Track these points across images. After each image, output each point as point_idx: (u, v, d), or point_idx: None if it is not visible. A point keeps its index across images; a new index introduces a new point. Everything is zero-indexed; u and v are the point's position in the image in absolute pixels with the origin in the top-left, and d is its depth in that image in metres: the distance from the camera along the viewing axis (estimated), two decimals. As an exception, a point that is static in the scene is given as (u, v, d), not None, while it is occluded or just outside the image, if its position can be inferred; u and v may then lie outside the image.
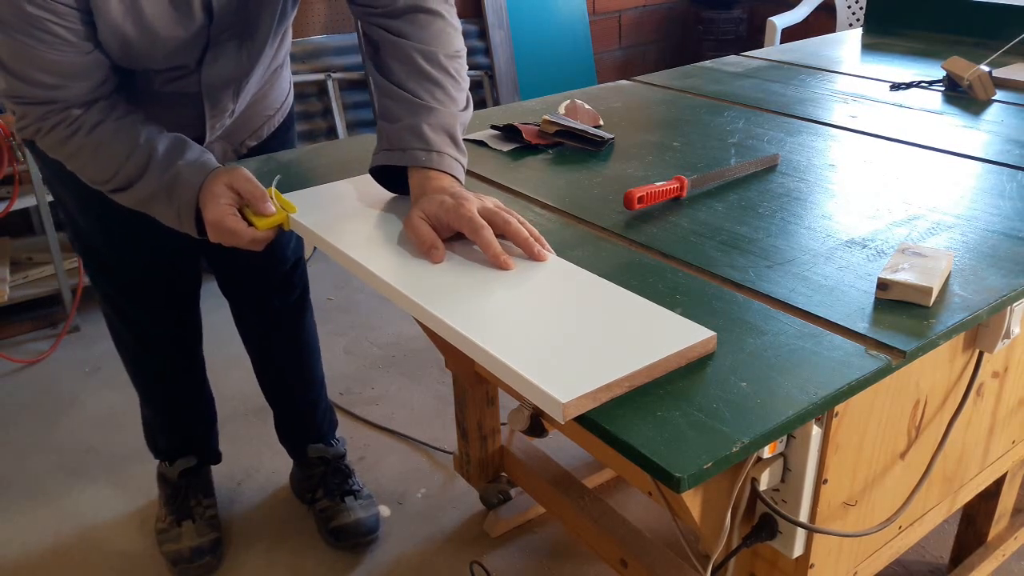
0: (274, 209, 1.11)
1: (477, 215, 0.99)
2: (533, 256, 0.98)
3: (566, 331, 0.83)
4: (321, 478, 1.76)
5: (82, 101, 1.10)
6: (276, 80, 1.41)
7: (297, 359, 1.71)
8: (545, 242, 1.00)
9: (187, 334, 1.61)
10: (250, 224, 1.10)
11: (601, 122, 1.50)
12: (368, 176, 1.19)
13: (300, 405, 1.76)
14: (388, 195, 1.17)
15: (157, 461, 1.75)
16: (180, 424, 1.70)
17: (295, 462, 1.84)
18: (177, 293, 1.55)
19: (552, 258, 0.98)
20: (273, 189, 1.14)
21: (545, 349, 0.79)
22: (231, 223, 1.08)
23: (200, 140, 1.29)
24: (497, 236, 0.98)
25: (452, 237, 1.03)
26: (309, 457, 1.78)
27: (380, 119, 1.15)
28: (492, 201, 1.03)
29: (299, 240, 1.62)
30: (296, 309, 1.67)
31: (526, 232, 0.99)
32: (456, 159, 1.11)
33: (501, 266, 0.96)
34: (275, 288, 1.62)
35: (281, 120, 1.47)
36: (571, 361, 0.77)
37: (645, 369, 0.76)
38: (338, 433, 1.84)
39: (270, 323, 1.66)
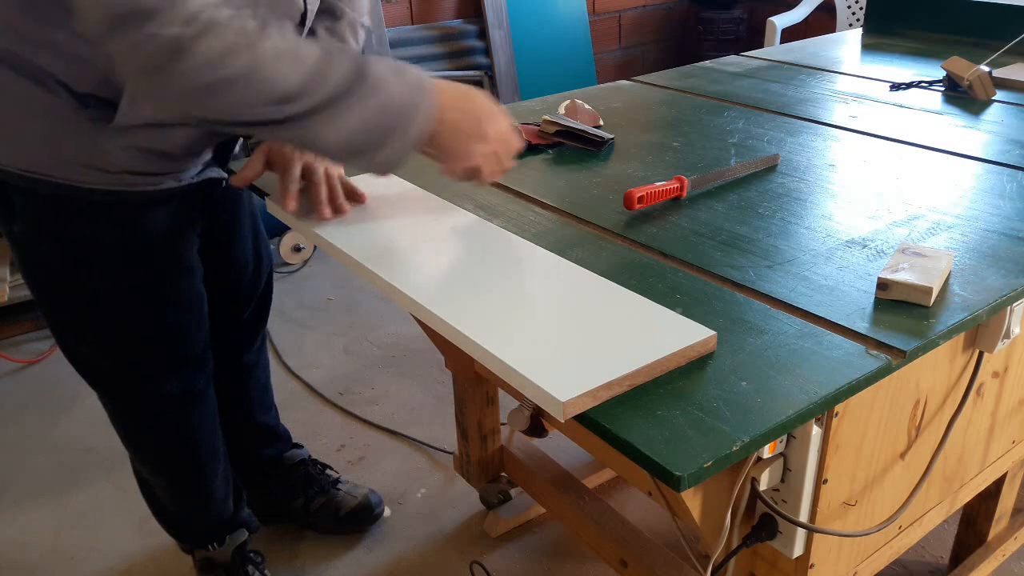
0: None
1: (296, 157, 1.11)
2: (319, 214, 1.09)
3: (566, 330, 0.83)
4: (307, 480, 1.74)
5: None
6: None
7: (265, 392, 1.67)
8: (342, 204, 1.12)
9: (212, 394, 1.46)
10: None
11: (601, 122, 1.50)
12: (365, 177, 1.20)
13: (263, 418, 1.69)
14: (386, 193, 1.18)
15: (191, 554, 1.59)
16: (220, 501, 1.52)
17: (260, 484, 1.72)
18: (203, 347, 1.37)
19: (551, 257, 0.99)
20: None
21: (545, 347, 0.79)
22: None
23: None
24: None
25: (441, 232, 1.06)
26: (287, 465, 1.73)
27: None
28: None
29: (268, 284, 1.54)
30: (265, 359, 1.64)
31: (323, 193, 1.10)
32: None
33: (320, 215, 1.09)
34: (248, 344, 1.57)
35: None
36: (571, 360, 0.77)
37: (645, 368, 0.76)
38: (338, 433, 1.84)
39: (245, 381, 1.60)
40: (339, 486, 1.76)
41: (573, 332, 0.82)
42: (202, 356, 1.35)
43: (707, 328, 0.82)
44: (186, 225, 1.23)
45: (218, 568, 1.57)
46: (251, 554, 1.59)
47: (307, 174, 1.14)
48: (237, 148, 1.30)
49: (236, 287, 1.48)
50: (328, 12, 1.21)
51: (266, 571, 1.60)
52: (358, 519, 1.73)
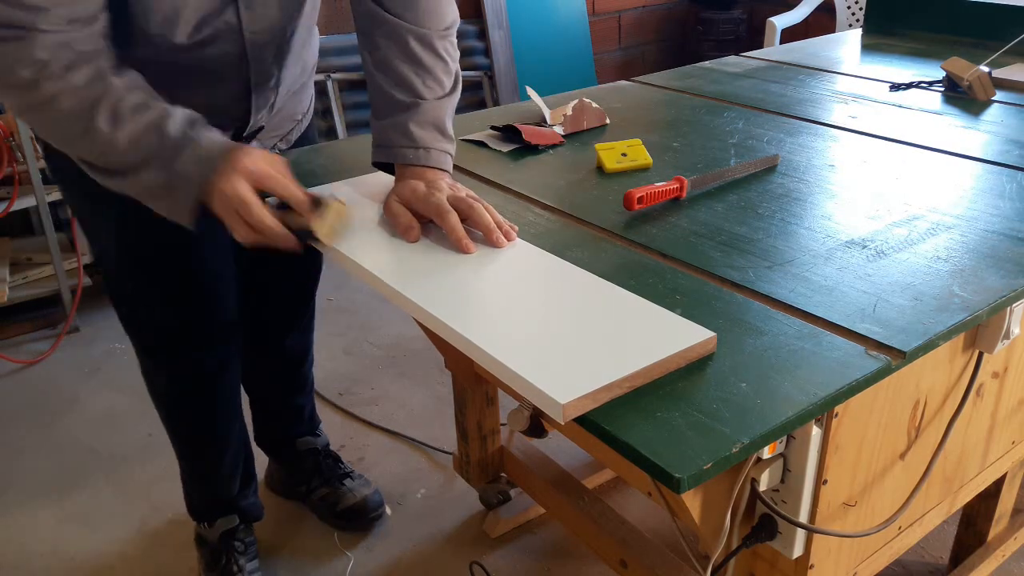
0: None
1: (445, 201, 1.04)
2: (492, 242, 1.02)
3: (565, 331, 0.83)
4: (315, 468, 1.77)
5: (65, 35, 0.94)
6: (308, 82, 1.39)
7: (300, 375, 1.71)
8: (509, 231, 1.04)
9: (234, 372, 1.51)
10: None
11: (608, 121, 1.50)
12: (365, 177, 1.21)
13: (292, 405, 1.75)
14: (384, 194, 1.17)
15: (194, 523, 1.64)
16: (221, 480, 1.56)
17: (277, 461, 1.82)
18: (226, 324, 1.43)
19: (551, 258, 0.99)
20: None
21: (544, 349, 0.79)
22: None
23: (243, 126, 1.23)
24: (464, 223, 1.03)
25: (434, 229, 1.05)
26: (299, 451, 1.77)
27: (372, 114, 1.17)
28: (464, 190, 1.08)
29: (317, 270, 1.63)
30: (308, 339, 1.69)
31: (489, 218, 1.03)
32: (443, 150, 1.13)
33: (463, 249, 1.00)
34: (290, 327, 1.63)
35: (306, 125, 1.45)
36: (570, 361, 0.77)
37: (645, 369, 0.76)
38: (338, 433, 1.85)
39: (280, 358, 1.66)
40: (346, 481, 1.77)
41: (572, 334, 0.82)
42: (220, 334, 1.41)
43: (706, 329, 0.82)
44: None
45: (206, 546, 1.62)
46: (236, 542, 1.61)
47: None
48: (254, 112, 1.25)
49: (281, 270, 1.51)
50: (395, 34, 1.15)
51: (247, 563, 1.62)
52: (354, 516, 1.74)
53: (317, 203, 1.01)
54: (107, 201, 1.08)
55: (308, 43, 1.30)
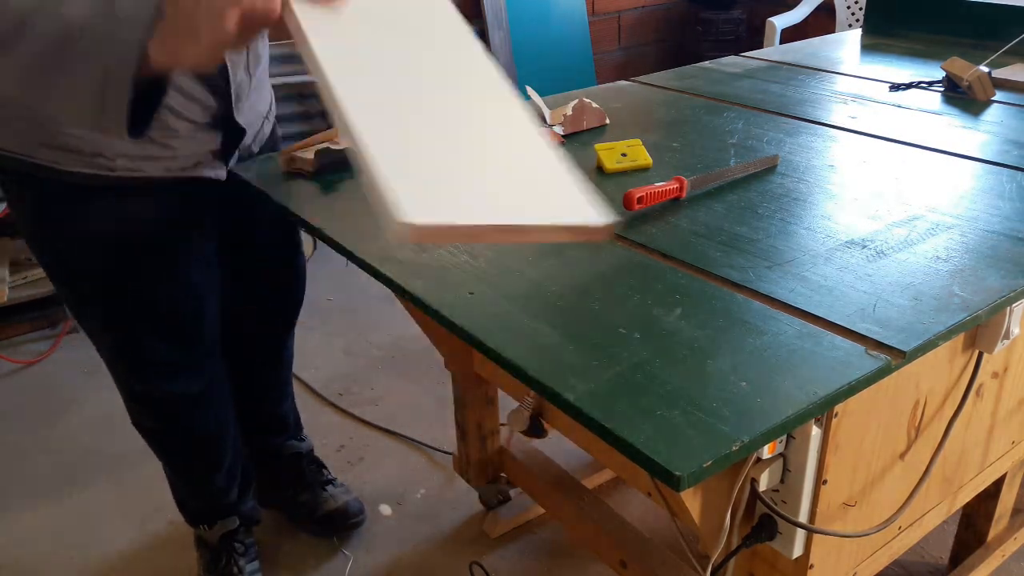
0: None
1: None
2: None
3: (457, 149, 0.72)
4: (297, 474, 1.76)
5: None
6: (265, 78, 1.38)
7: (277, 373, 1.69)
8: None
9: (224, 385, 1.50)
10: None
11: (607, 121, 1.50)
12: None
13: (276, 413, 1.73)
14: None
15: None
16: (219, 490, 1.55)
17: (260, 470, 1.74)
18: (210, 336, 1.40)
19: (493, 67, 0.85)
20: None
21: (423, 160, 0.69)
22: None
23: (228, 119, 1.21)
24: None
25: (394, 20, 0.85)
26: (283, 455, 1.75)
27: None
28: None
29: (299, 286, 1.59)
30: (291, 344, 1.67)
31: None
32: None
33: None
34: (270, 341, 1.61)
35: (271, 124, 1.46)
36: (443, 182, 0.68)
37: (517, 227, 0.67)
38: (338, 433, 1.84)
39: (266, 360, 1.64)
40: (328, 488, 1.75)
41: (463, 155, 0.72)
42: (198, 356, 1.37)
43: (608, 215, 0.72)
44: (180, 219, 1.23)
45: (206, 548, 1.62)
46: (236, 543, 1.61)
47: None
48: (247, 146, 1.28)
49: (259, 288, 1.49)
50: None
51: (247, 564, 1.62)
52: (331, 522, 1.73)
53: None
54: (84, 230, 1.08)
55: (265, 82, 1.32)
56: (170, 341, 1.32)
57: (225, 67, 1.17)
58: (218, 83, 1.18)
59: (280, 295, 1.57)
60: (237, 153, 1.30)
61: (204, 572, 1.61)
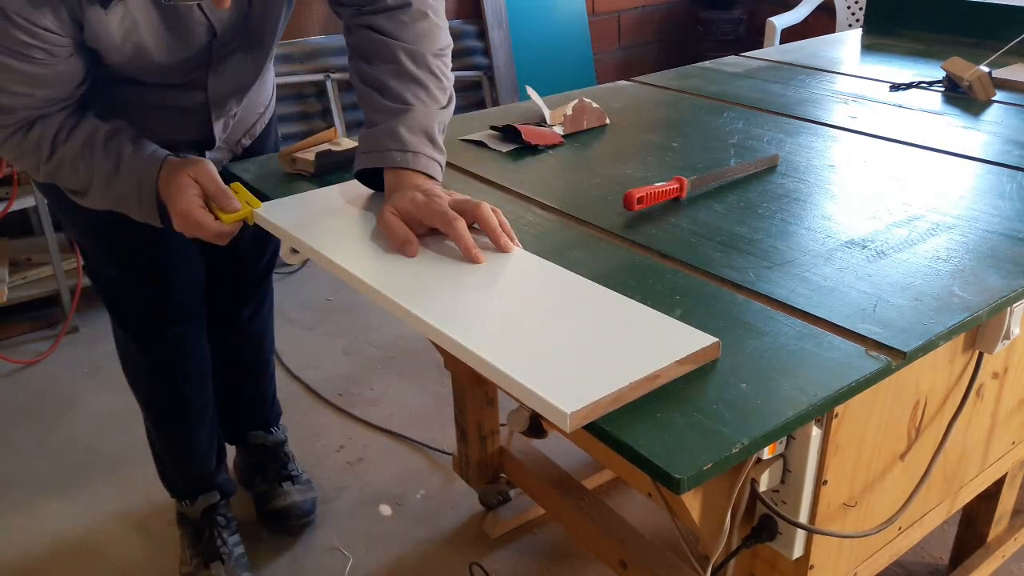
0: (239, 205, 1.11)
1: (449, 208, 1.00)
2: (499, 247, 0.98)
3: (568, 340, 0.81)
4: (259, 464, 1.78)
5: (50, 107, 1.08)
6: (266, 75, 1.41)
7: (255, 356, 1.73)
8: (513, 235, 1.01)
9: (204, 348, 1.57)
10: (216, 218, 1.10)
11: (607, 121, 1.50)
12: (356, 182, 1.17)
13: (251, 395, 1.76)
14: (373, 198, 1.15)
15: (174, 500, 1.67)
16: (200, 456, 1.61)
17: (237, 449, 1.84)
18: (195, 301, 1.52)
19: (550, 266, 0.96)
20: (237, 184, 1.14)
21: (548, 359, 0.78)
22: (199, 215, 1.08)
23: (207, 146, 1.30)
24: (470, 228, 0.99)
25: (427, 235, 1.02)
26: (250, 444, 1.78)
27: (363, 126, 1.14)
28: (463, 196, 1.04)
29: (273, 253, 1.63)
30: (264, 318, 1.69)
31: (496, 221, 0.99)
32: (432, 158, 1.10)
33: (472, 259, 0.96)
34: (244, 302, 1.64)
35: (270, 116, 1.48)
36: (575, 370, 0.76)
37: (650, 376, 0.75)
38: (338, 433, 1.84)
39: (238, 333, 1.67)
40: (285, 483, 1.77)
41: (576, 342, 0.80)
42: (191, 310, 1.49)
43: (709, 335, 0.81)
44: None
45: (189, 524, 1.65)
46: (219, 516, 1.64)
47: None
48: (218, 140, 1.32)
49: (230, 255, 1.51)
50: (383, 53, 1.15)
51: (229, 536, 1.64)
52: (276, 519, 1.75)
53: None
54: (81, 207, 1.17)
55: (268, 70, 1.40)
56: (156, 294, 1.44)
57: (210, 127, 1.29)
58: (202, 136, 1.30)
59: (250, 256, 1.61)
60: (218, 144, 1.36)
61: (188, 548, 1.64)
